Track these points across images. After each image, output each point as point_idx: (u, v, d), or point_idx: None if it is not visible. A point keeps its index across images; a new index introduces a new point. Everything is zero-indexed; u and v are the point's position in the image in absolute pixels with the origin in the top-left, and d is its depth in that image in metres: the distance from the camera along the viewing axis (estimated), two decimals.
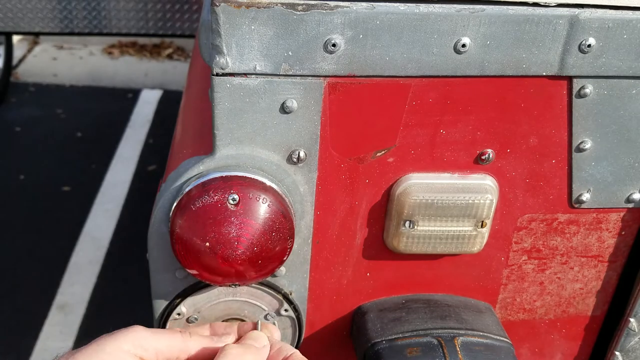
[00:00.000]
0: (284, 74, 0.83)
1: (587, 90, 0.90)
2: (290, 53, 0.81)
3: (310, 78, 0.84)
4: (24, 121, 4.37)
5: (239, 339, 0.88)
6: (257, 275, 0.89)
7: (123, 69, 5.26)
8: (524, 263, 1.07)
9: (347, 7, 0.79)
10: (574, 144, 0.95)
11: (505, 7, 0.82)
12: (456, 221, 0.97)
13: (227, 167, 0.89)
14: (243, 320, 1.04)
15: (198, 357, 0.82)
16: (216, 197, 0.84)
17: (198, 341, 0.83)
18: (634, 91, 0.91)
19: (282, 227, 0.87)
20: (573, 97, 0.90)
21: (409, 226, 0.96)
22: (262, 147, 0.89)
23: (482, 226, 0.97)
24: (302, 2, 0.79)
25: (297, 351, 0.85)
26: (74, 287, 3.05)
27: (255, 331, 0.87)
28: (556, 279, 1.09)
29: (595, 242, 1.06)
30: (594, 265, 1.08)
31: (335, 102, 0.87)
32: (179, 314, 1.00)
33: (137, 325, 0.80)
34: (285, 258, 0.89)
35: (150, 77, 5.15)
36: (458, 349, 0.98)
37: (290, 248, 0.89)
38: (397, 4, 0.80)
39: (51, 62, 5.31)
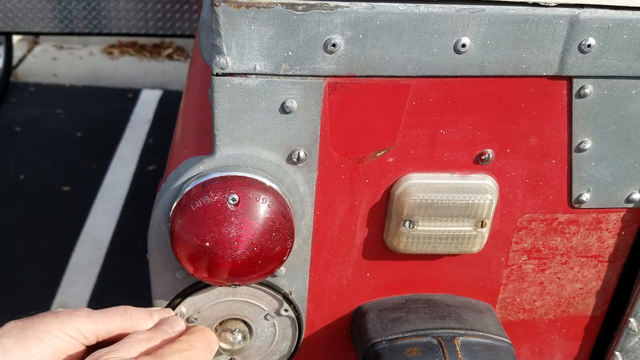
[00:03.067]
0: (284, 74, 0.83)
1: (587, 90, 0.90)
2: (290, 53, 0.81)
3: (310, 78, 0.84)
4: (24, 121, 4.37)
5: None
6: (257, 275, 0.89)
7: (123, 69, 5.26)
8: (523, 263, 1.07)
9: (347, 7, 0.79)
10: (574, 144, 0.95)
11: (505, 7, 0.82)
12: (456, 221, 0.97)
13: (227, 167, 0.88)
14: (243, 321, 1.04)
15: None
16: (216, 197, 0.84)
17: (138, 322, 0.86)
18: (633, 91, 0.91)
19: (282, 227, 0.87)
20: (573, 97, 0.90)
21: (409, 226, 0.96)
22: (262, 147, 0.89)
23: (482, 226, 0.97)
24: (302, 2, 0.79)
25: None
26: (74, 287, 3.05)
27: (172, 316, 0.89)
28: (556, 279, 1.09)
29: (595, 242, 1.06)
30: (593, 265, 1.08)
31: (335, 102, 0.87)
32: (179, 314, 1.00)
33: (82, 310, 0.83)
34: (285, 258, 0.89)
35: (150, 77, 5.15)
36: (458, 349, 0.98)
37: (290, 248, 0.89)
38: (397, 4, 0.80)
39: (51, 62, 5.31)
